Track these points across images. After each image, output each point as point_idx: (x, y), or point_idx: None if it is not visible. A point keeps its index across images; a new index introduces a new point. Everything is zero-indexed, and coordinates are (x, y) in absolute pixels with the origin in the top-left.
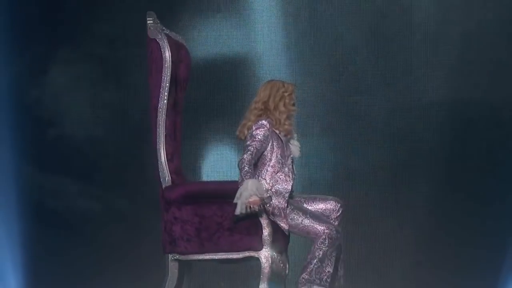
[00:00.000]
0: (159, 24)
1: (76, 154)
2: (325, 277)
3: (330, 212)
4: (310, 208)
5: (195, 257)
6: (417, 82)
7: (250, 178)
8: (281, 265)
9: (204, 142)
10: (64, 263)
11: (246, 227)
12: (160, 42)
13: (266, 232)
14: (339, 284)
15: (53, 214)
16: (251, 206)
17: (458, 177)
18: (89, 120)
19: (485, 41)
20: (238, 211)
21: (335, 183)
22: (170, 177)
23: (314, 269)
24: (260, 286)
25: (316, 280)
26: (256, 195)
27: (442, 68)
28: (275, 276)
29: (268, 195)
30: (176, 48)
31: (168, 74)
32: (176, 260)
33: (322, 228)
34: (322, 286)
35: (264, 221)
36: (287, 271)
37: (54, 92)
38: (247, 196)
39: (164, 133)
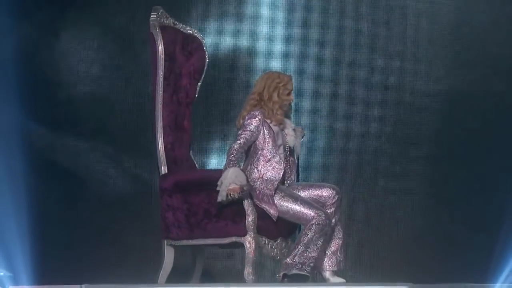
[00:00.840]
0: (169, 19)
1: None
2: (308, 262)
3: (325, 199)
4: (303, 195)
5: (186, 242)
6: (413, 73)
7: (232, 166)
8: (275, 250)
9: (207, 134)
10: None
11: (232, 213)
12: (155, 36)
13: (249, 218)
14: (339, 268)
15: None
16: (231, 193)
17: (455, 167)
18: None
19: (483, 33)
20: (219, 198)
21: (333, 171)
22: (166, 166)
23: (298, 254)
24: (244, 271)
25: (298, 265)
26: (235, 183)
27: (438, 58)
28: (272, 261)
29: (248, 183)
30: (183, 41)
31: (162, 66)
32: (171, 245)
33: (312, 214)
34: (303, 271)
35: (248, 208)
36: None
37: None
38: (226, 184)
39: (162, 124)
